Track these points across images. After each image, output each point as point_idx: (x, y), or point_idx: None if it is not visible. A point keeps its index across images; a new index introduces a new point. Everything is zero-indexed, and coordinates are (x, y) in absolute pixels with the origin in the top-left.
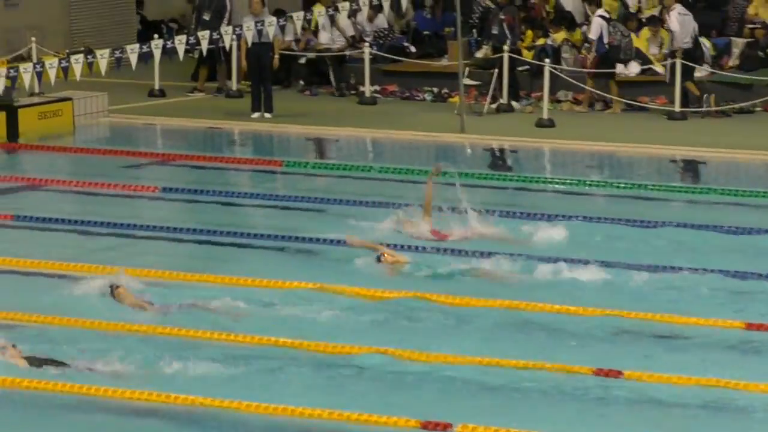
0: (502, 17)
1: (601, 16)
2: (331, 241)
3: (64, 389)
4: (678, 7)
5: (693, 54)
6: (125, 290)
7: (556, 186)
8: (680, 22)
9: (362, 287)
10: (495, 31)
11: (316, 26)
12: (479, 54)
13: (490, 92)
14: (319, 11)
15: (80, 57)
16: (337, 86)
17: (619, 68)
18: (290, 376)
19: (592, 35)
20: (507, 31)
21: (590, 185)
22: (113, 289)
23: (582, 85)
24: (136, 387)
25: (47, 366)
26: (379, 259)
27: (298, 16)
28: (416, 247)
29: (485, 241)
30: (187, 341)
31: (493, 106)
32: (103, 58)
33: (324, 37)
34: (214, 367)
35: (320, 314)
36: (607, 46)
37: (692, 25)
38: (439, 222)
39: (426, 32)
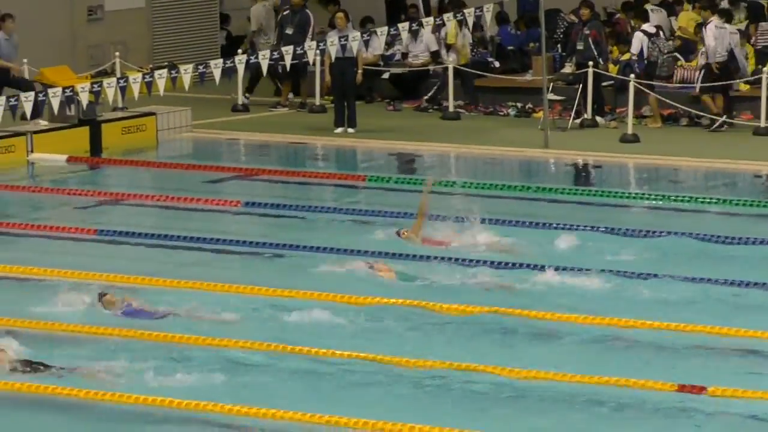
0: (587, 32)
1: (644, 31)
2: (413, 256)
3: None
4: (715, 20)
5: (728, 67)
6: (112, 297)
7: (641, 201)
8: (716, 36)
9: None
10: (580, 47)
11: (400, 41)
12: (565, 70)
13: (575, 107)
14: (403, 26)
15: (164, 72)
16: (433, 99)
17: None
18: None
19: (633, 50)
20: (592, 46)
21: (676, 200)
22: (101, 296)
23: (669, 101)
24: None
25: (33, 370)
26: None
27: (382, 31)
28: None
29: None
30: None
31: (577, 121)
32: (186, 73)
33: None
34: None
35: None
36: (645, 62)
37: (729, 38)
38: (440, 230)
39: (510, 47)
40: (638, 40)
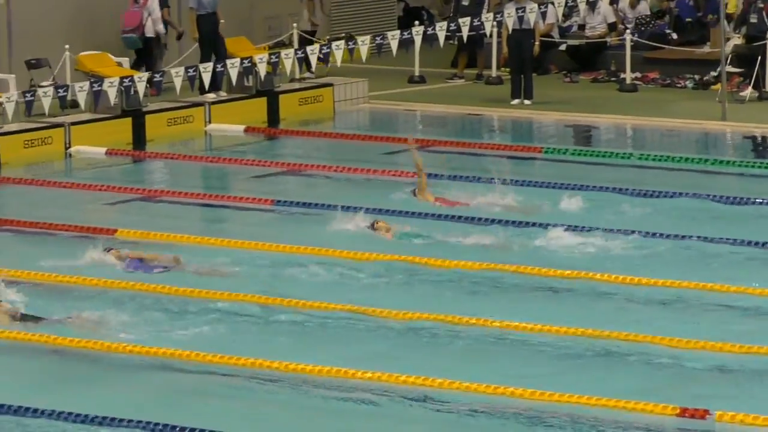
0: (761, 5)
1: None
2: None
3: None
4: None
5: None
6: (118, 253)
7: None
8: None
9: None
10: (753, 20)
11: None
12: (733, 42)
13: (752, 80)
14: None
15: (341, 43)
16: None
17: None
18: None
19: None
20: (766, 19)
21: None
22: (107, 251)
23: None
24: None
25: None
26: (372, 227)
27: (559, 2)
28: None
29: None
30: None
31: (756, 93)
32: (364, 44)
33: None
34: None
35: None
36: None
37: None
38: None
39: (688, 19)
40: None
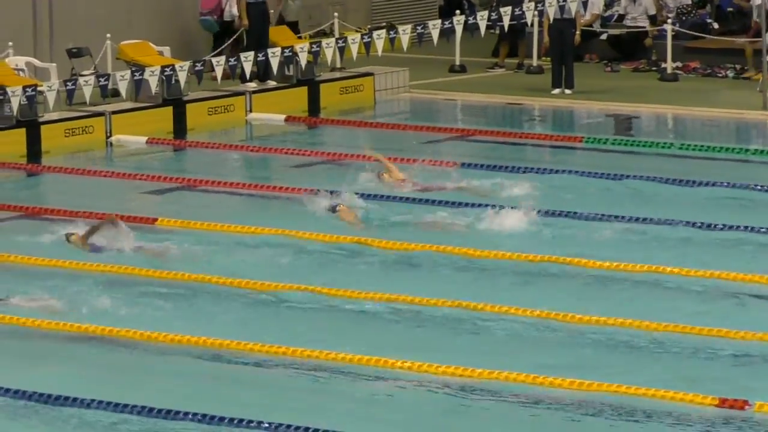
0: None
1: None
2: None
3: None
4: None
5: None
6: (78, 237)
7: None
8: None
9: None
10: None
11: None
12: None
13: None
14: None
15: (382, 32)
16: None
17: None
18: None
19: None
20: None
21: None
22: (68, 236)
23: None
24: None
25: None
26: (334, 210)
27: None
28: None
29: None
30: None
31: None
32: (405, 33)
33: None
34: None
35: None
36: None
37: None
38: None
39: (729, 9)
40: None
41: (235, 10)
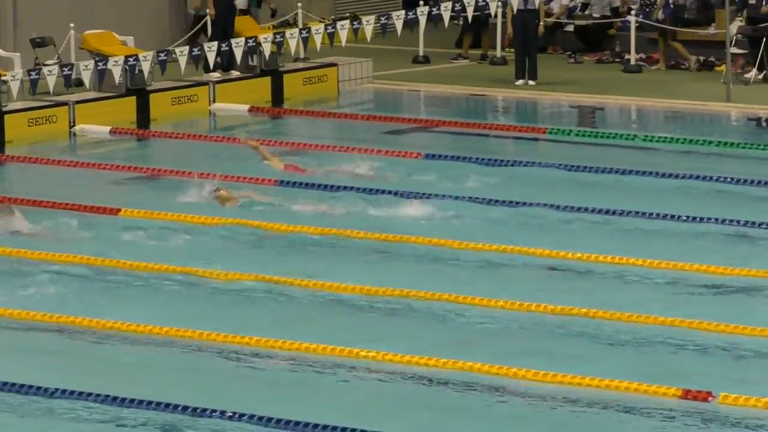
0: None
1: None
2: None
3: None
4: None
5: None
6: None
7: None
8: None
9: None
10: (752, 0)
11: None
12: (734, 24)
13: (757, 61)
14: None
15: (346, 23)
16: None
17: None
18: None
19: None
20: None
21: None
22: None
23: None
24: None
25: None
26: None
27: None
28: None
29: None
30: None
31: (760, 75)
32: (368, 24)
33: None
34: None
35: None
36: (672, 6)
37: None
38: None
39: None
40: None
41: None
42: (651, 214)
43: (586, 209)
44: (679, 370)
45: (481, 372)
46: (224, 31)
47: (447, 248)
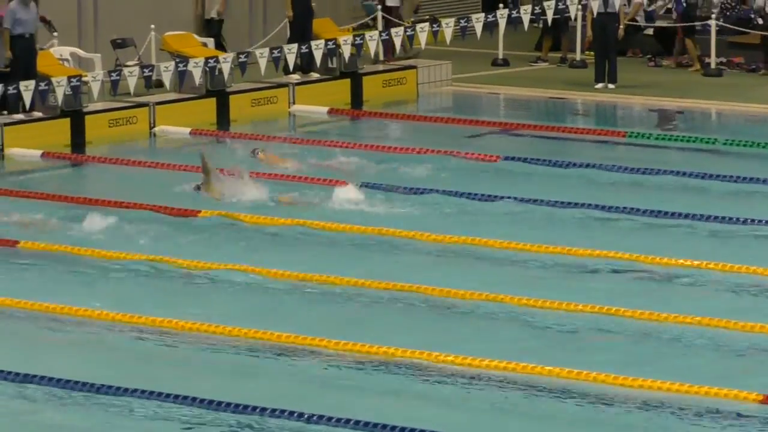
0: None
1: None
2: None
3: None
4: None
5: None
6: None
7: None
8: None
9: None
10: None
11: None
12: None
13: None
14: None
15: (425, 26)
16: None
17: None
18: None
19: None
20: None
21: None
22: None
23: None
24: None
25: None
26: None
27: None
28: None
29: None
30: None
31: None
32: (448, 26)
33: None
34: None
35: None
36: (684, 4)
37: None
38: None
39: None
40: None
41: None
42: (733, 218)
43: (667, 213)
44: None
45: (570, 377)
46: (302, 32)
47: (531, 252)
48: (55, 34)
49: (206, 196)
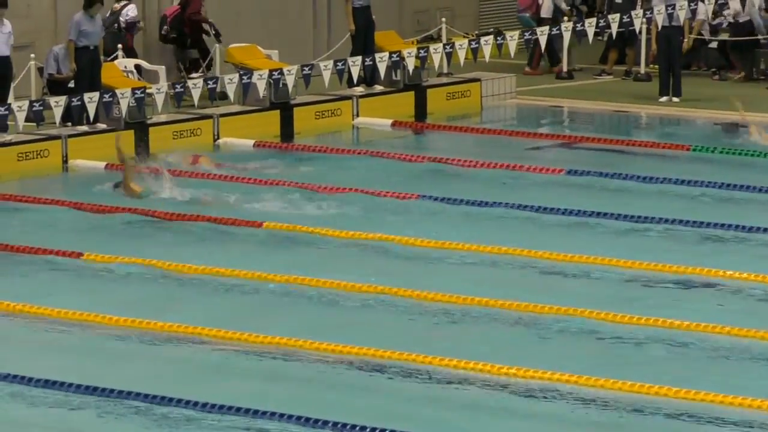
0: None
1: None
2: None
3: None
4: None
5: None
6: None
7: None
8: None
9: None
10: None
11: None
12: None
13: None
14: None
15: (490, 38)
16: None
17: None
18: None
19: None
20: None
21: None
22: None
23: None
24: None
25: None
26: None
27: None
28: None
29: None
30: None
31: None
32: (512, 39)
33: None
34: None
35: None
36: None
37: None
38: None
39: None
40: None
41: (563, 4)
42: None
43: (736, 227)
44: None
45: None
46: (365, 45)
47: (595, 265)
48: (221, 39)
49: (122, 194)
